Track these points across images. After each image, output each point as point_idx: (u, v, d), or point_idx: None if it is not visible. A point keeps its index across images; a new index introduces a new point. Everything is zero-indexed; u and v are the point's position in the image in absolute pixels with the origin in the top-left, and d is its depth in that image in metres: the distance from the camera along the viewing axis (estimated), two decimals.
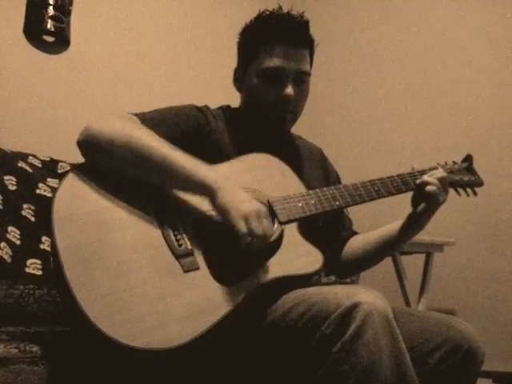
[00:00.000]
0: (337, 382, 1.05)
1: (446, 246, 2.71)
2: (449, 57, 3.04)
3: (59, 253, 1.13)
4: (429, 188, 1.40)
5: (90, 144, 1.27)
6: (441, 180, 1.42)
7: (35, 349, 1.25)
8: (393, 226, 1.51)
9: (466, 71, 2.98)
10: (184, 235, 1.23)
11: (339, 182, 1.62)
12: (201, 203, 1.27)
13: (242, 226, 1.16)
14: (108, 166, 1.26)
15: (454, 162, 1.60)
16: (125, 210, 1.23)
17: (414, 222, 1.47)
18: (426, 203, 1.43)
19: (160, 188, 1.28)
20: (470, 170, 1.59)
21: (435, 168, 1.50)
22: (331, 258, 1.45)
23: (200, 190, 1.23)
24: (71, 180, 1.24)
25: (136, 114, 1.37)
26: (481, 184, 1.58)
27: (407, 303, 2.61)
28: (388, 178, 1.46)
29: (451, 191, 1.50)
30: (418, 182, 1.44)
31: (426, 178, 1.43)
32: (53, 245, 1.16)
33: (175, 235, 1.22)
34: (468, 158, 1.61)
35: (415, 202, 1.45)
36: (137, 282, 1.14)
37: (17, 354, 1.21)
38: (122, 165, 1.25)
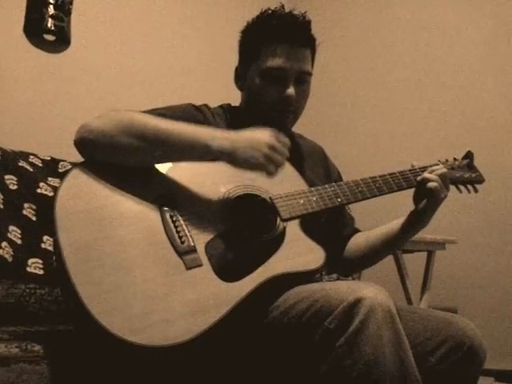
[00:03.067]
0: (340, 376, 1.06)
1: (447, 244, 2.71)
2: (449, 54, 3.04)
3: (62, 250, 1.13)
4: (430, 184, 1.40)
5: (87, 140, 1.26)
6: (441, 176, 1.42)
7: (37, 348, 1.25)
8: (395, 224, 1.51)
9: (466, 68, 2.98)
10: (187, 232, 1.23)
11: (341, 180, 1.61)
12: (204, 198, 1.28)
13: (268, 167, 1.24)
14: (110, 158, 1.26)
15: (455, 159, 1.60)
16: (127, 206, 1.23)
17: (416, 220, 1.46)
18: (427, 200, 1.42)
19: (164, 182, 1.29)
20: (470, 166, 1.59)
21: (436, 165, 1.49)
22: (333, 256, 1.45)
23: (210, 151, 1.25)
24: (73, 177, 1.24)
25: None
26: (482, 181, 1.58)
27: (409, 301, 2.61)
28: (389, 174, 1.46)
29: (452, 188, 1.50)
30: (418, 178, 1.44)
31: (426, 174, 1.43)
32: (55, 242, 1.16)
33: (178, 232, 1.22)
34: (468, 155, 1.61)
35: (417, 199, 1.45)
36: (139, 278, 1.14)
37: (18, 354, 1.21)
38: (126, 152, 1.25)
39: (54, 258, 1.20)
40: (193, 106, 1.47)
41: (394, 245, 1.54)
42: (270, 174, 1.25)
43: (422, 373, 1.10)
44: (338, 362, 1.06)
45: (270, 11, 1.49)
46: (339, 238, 1.60)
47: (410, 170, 1.48)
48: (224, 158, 1.25)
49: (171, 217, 1.24)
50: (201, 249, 1.22)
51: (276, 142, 1.25)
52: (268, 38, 1.45)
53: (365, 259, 1.58)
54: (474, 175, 1.57)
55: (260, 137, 1.25)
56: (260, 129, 1.27)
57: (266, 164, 1.24)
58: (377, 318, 1.05)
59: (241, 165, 1.25)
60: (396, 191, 1.46)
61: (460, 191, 1.56)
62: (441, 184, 1.41)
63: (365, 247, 1.56)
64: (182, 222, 1.24)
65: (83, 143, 1.27)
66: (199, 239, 1.23)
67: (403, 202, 1.53)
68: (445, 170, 1.45)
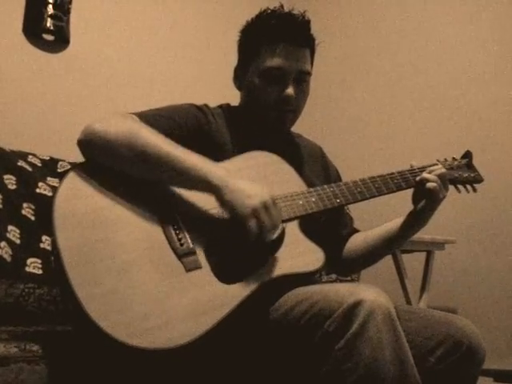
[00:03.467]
0: (340, 379, 1.06)
1: (446, 244, 2.71)
2: (449, 55, 3.04)
3: (60, 251, 1.13)
4: (429, 185, 1.40)
5: (91, 143, 1.26)
6: (440, 176, 1.42)
7: (35, 348, 1.25)
8: (393, 224, 1.51)
9: (465, 68, 2.98)
10: (186, 234, 1.23)
11: (340, 180, 1.61)
12: (203, 201, 1.27)
13: (252, 224, 1.17)
14: (110, 164, 1.26)
15: (454, 159, 1.60)
16: (126, 208, 1.22)
17: (415, 220, 1.46)
18: (426, 200, 1.43)
19: (163, 185, 1.28)
20: (469, 166, 1.59)
21: (435, 164, 1.49)
22: (332, 256, 1.45)
23: (204, 186, 1.22)
24: (72, 179, 1.24)
25: (135, 114, 1.36)
26: (480, 180, 1.58)
27: (408, 301, 2.60)
28: (388, 175, 1.46)
29: (451, 188, 1.50)
30: (417, 179, 1.44)
31: (425, 174, 1.43)
32: (54, 243, 1.15)
33: (177, 234, 1.22)
34: (467, 155, 1.61)
35: (416, 199, 1.45)
36: (139, 281, 1.14)
37: (17, 353, 1.21)
38: (125, 163, 1.25)
39: (53, 258, 1.19)
40: (194, 105, 1.47)
41: (393, 245, 1.54)
42: (251, 233, 1.18)
43: (421, 373, 1.10)
44: (337, 365, 1.06)
45: (269, 11, 1.49)
46: (338, 238, 1.60)
47: (408, 171, 1.48)
48: (213, 189, 1.22)
49: (170, 219, 1.24)
50: (200, 251, 1.22)
51: (272, 205, 1.21)
52: (267, 38, 1.44)
53: (363, 259, 1.58)
54: (472, 175, 1.57)
55: (258, 191, 1.21)
56: (261, 187, 1.23)
57: (251, 219, 1.18)
58: (376, 320, 1.05)
59: (225, 207, 1.21)
60: (395, 191, 1.46)
61: (459, 191, 1.56)
62: (440, 184, 1.41)
63: (363, 247, 1.56)
64: (181, 224, 1.24)
65: (86, 145, 1.27)
66: (198, 241, 1.23)
67: (402, 203, 1.53)
68: (444, 170, 1.45)
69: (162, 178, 1.27)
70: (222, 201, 1.21)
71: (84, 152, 1.28)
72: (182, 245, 1.21)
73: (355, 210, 1.73)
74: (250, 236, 1.18)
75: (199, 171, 1.22)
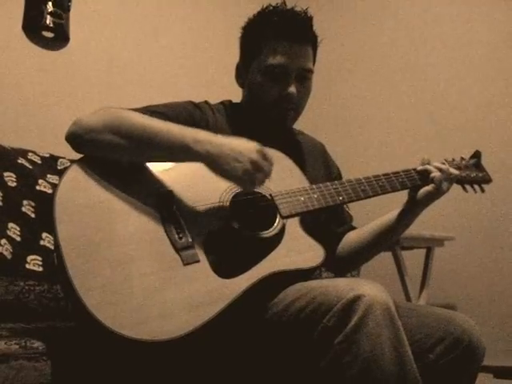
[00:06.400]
0: (339, 373, 1.06)
1: (446, 240, 2.71)
2: (452, 53, 3.04)
3: (60, 244, 1.14)
4: (433, 174, 1.41)
5: (77, 136, 1.27)
6: (442, 170, 1.42)
7: (36, 345, 1.25)
8: (386, 217, 1.51)
9: (470, 67, 2.97)
10: (185, 228, 1.23)
11: (340, 178, 1.61)
12: (203, 195, 1.28)
13: (243, 178, 1.21)
14: (99, 154, 1.27)
15: (462, 158, 1.59)
16: (126, 201, 1.23)
17: (410, 210, 1.46)
18: (427, 191, 1.42)
19: (163, 177, 1.29)
20: (478, 166, 1.58)
21: (442, 164, 1.48)
22: (329, 254, 1.44)
23: (189, 156, 1.24)
24: (73, 173, 1.25)
25: (129, 109, 1.36)
26: (489, 180, 1.57)
27: (408, 298, 2.61)
28: (393, 173, 1.46)
29: (455, 186, 1.49)
30: (419, 168, 1.44)
31: (428, 166, 1.44)
32: (55, 236, 1.16)
33: (176, 227, 1.22)
34: (476, 155, 1.60)
35: (416, 190, 1.45)
36: (136, 273, 1.14)
37: (18, 351, 1.21)
38: (112, 149, 1.26)
39: (54, 252, 1.20)
40: (192, 103, 1.47)
41: (387, 238, 1.53)
42: (245, 189, 1.23)
43: (420, 369, 1.10)
44: (336, 359, 1.06)
45: (271, 7, 1.48)
46: (332, 236, 1.59)
47: (414, 169, 1.47)
48: (204, 162, 1.23)
49: (170, 213, 1.24)
50: (199, 245, 1.22)
51: (261, 158, 1.22)
52: (269, 35, 1.44)
53: (358, 256, 1.58)
54: (480, 175, 1.56)
55: (245, 149, 1.22)
56: (247, 141, 1.25)
57: (244, 179, 1.22)
58: (376, 315, 1.05)
59: (219, 174, 1.23)
60: (400, 190, 1.45)
61: (466, 191, 1.55)
62: (443, 177, 1.41)
63: (357, 243, 1.56)
64: (180, 217, 1.24)
65: (71, 137, 1.28)
66: (197, 235, 1.23)
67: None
68: (449, 168, 1.45)
69: (151, 156, 1.28)
70: (213, 165, 1.22)
71: (73, 146, 1.29)
72: (180, 238, 1.21)
73: (358, 208, 1.72)
74: (245, 186, 1.22)
75: (185, 141, 1.23)
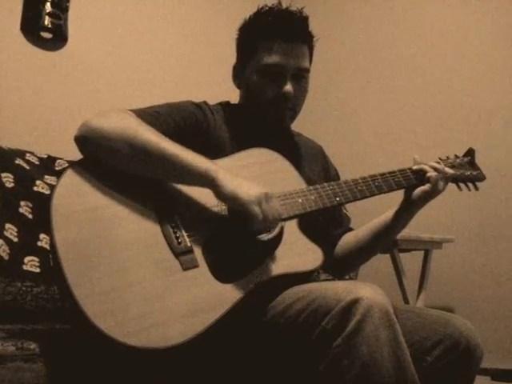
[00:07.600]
0: (337, 376, 1.06)
1: (444, 243, 2.71)
2: (449, 52, 3.04)
3: (58, 250, 1.13)
4: (429, 174, 1.41)
5: (88, 139, 1.25)
6: (438, 169, 1.42)
7: (33, 346, 1.24)
8: (383, 217, 1.51)
9: (467, 66, 2.97)
10: (184, 232, 1.22)
11: (338, 180, 1.61)
12: (202, 200, 1.27)
13: (256, 210, 1.18)
14: (107, 161, 1.25)
15: (456, 156, 1.59)
16: (124, 206, 1.22)
17: (406, 209, 1.46)
18: (423, 191, 1.42)
19: (161, 183, 1.28)
20: (471, 164, 1.58)
21: (437, 163, 1.49)
22: (327, 256, 1.44)
23: (202, 181, 1.23)
24: (70, 176, 1.23)
25: (133, 111, 1.36)
26: (482, 178, 1.57)
27: (406, 300, 2.61)
28: (389, 173, 1.46)
29: (450, 187, 1.49)
30: (414, 167, 1.44)
31: (423, 166, 1.44)
32: (51, 242, 1.15)
33: (175, 232, 1.22)
34: (470, 152, 1.60)
35: (411, 190, 1.45)
36: (136, 280, 1.13)
37: (14, 352, 1.21)
38: (122, 159, 1.24)
39: (51, 256, 1.19)
40: (193, 103, 1.47)
41: (384, 238, 1.53)
42: (256, 218, 1.20)
43: (418, 372, 1.10)
44: (335, 362, 1.06)
45: (266, 8, 1.49)
46: (329, 238, 1.58)
47: (409, 169, 1.47)
48: (211, 184, 1.22)
49: (168, 217, 1.23)
50: (198, 250, 1.21)
51: (273, 197, 1.23)
52: (265, 35, 1.44)
53: (356, 257, 1.57)
54: (474, 173, 1.56)
55: (257, 186, 1.23)
56: (256, 183, 1.24)
57: (254, 206, 1.19)
58: (374, 318, 1.05)
59: (226, 199, 1.22)
60: (396, 190, 1.45)
61: (460, 189, 1.56)
62: (439, 176, 1.41)
63: (354, 244, 1.55)
64: (179, 222, 1.24)
65: (83, 141, 1.26)
66: (196, 240, 1.23)
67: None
68: (445, 168, 1.44)
69: (158, 173, 1.27)
70: (221, 193, 1.21)
71: (81, 148, 1.28)
72: (179, 243, 1.20)
73: (353, 210, 1.72)
74: (255, 222, 1.19)
75: (196, 166, 1.22)
